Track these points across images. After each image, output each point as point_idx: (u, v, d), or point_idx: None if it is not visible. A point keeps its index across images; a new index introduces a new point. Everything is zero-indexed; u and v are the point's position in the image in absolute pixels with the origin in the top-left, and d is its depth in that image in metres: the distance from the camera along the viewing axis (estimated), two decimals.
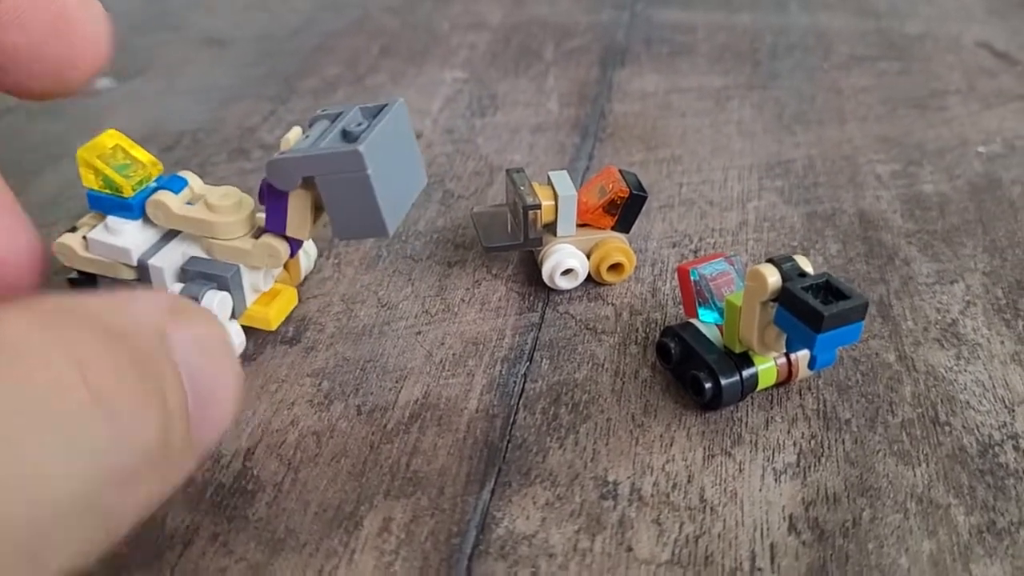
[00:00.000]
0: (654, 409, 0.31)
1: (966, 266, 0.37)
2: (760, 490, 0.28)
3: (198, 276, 0.30)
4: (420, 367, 0.32)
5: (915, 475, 0.28)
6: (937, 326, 0.34)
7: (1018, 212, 0.41)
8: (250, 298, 0.31)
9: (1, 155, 0.46)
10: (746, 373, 0.30)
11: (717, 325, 0.31)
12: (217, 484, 0.28)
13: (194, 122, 0.48)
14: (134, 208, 0.30)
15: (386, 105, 0.29)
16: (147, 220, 0.31)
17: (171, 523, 0.27)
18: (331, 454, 0.29)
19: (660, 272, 0.37)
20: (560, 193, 0.34)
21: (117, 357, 0.17)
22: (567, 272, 0.35)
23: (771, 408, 0.31)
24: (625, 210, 0.35)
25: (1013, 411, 0.30)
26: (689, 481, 0.28)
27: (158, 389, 0.18)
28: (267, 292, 0.32)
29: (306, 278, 0.36)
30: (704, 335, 0.31)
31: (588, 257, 0.35)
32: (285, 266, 0.33)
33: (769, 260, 0.28)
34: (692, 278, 0.31)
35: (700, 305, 0.31)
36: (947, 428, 0.30)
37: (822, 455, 0.29)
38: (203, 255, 0.31)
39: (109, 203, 0.30)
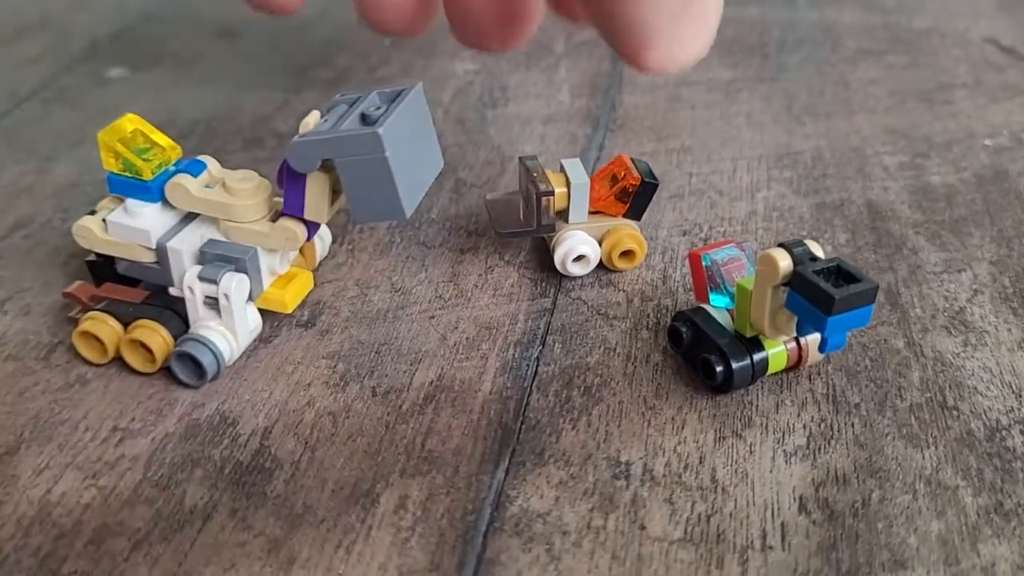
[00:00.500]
0: (666, 392, 0.31)
1: (973, 255, 0.38)
2: (771, 471, 0.28)
3: (216, 258, 0.31)
4: (434, 350, 0.33)
5: (924, 457, 0.29)
6: (945, 314, 0.35)
7: None
8: (267, 281, 0.32)
9: (19, 141, 0.46)
10: (757, 357, 0.30)
11: (728, 310, 0.31)
12: (235, 462, 0.28)
13: (208, 111, 0.49)
14: (153, 191, 0.31)
15: (404, 89, 0.30)
16: (166, 203, 0.31)
17: (190, 499, 0.27)
18: (347, 434, 0.29)
19: (671, 260, 0.37)
20: (573, 180, 0.34)
21: None
22: (579, 258, 0.35)
23: (781, 392, 0.31)
24: (636, 198, 0.35)
25: (1020, 396, 0.31)
26: (701, 462, 0.28)
27: None
28: (283, 275, 0.32)
29: (320, 263, 0.36)
30: (715, 319, 0.31)
31: (600, 244, 0.35)
32: (301, 251, 0.34)
33: (780, 244, 0.28)
34: (704, 263, 0.31)
35: (711, 290, 0.31)
36: (955, 412, 0.30)
37: (832, 438, 0.29)
38: (221, 238, 0.31)
39: (129, 186, 0.31)
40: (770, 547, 0.26)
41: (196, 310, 0.31)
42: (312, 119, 0.30)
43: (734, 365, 0.30)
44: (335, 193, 0.30)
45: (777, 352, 0.30)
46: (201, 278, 0.30)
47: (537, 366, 0.32)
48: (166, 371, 0.31)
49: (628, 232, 0.35)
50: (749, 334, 0.30)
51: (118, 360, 0.31)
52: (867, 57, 0.56)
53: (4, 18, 0.60)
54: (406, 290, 0.36)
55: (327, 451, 0.29)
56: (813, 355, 0.31)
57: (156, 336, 0.30)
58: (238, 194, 0.30)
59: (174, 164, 0.31)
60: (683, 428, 0.30)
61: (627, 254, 0.36)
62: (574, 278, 0.36)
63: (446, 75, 0.53)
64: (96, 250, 0.32)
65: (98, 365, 0.32)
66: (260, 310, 0.32)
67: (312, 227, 0.31)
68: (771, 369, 0.30)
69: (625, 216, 0.36)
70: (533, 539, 0.26)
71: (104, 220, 0.31)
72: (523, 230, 0.35)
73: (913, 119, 0.49)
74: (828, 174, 0.44)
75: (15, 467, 0.28)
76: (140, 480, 0.28)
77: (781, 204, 0.41)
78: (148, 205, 0.31)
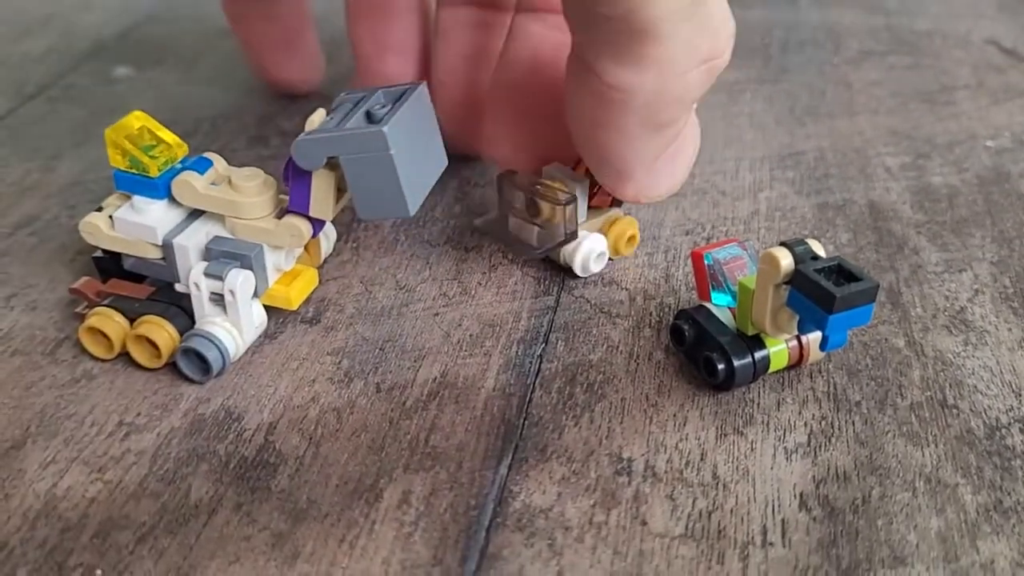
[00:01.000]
0: (667, 390, 0.31)
1: (974, 256, 0.38)
2: (771, 468, 0.28)
3: (222, 255, 0.31)
4: (438, 347, 0.33)
5: (924, 455, 0.29)
6: (946, 313, 0.35)
7: None
8: (272, 277, 0.32)
9: (25, 139, 0.46)
10: (758, 355, 0.30)
11: (730, 308, 0.31)
12: (240, 457, 0.29)
13: (212, 109, 0.49)
14: (160, 188, 0.31)
15: (408, 88, 0.30)
16: (172, 200, 0.31)
17: (195, 494, 0.27)
18: (351, 429, 0.30)
19: (673, 259, 0.38)
20: (573, 182, 0.35)
21: None
22: (599, 255, 0.36)
23: (782, 390, 0.31)
24: None
25: (1020, 395, 0.31)
26: (702, 459, 0.29)
27: None
28: (288, 272, 0.33)
29: (325, 260, 0.37)
30: (717, 318, 0.31)
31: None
32: (306, 248, 0.34)
33: (782, 243, 0.28)
34: (706, 262, 0.31)
35: (713, 289, 0.31)
36: (955, 411, 0.30)
37: (832, 435, 0.30)
38: (227, 235, 0.31)
39: (135, 183, 0.31)
40: (771, 543, 0.26)
41: (202, 306, 0.31)
42: (317, 117, 0.30)
43: (736, 363, 0.30)
44: (340, 191, 0.30)
45: (778, 350, 0.30)
46: (207, 274, 0.30)
47: (540, 363, 0.32)
48: (171, 367, 0.31)
49: (624, 219, 0.36)
50: (751, 332, 0.30)
51: (124, 356, 0.32)
52: (869, 58, 0.57)
53: (10, 17, 0.61)
54: (410, 287, 0.36)
55: (331, 446, 0.29)
56: (814, 353, 0.31)
57: (162, 332, 0.31)
58: (244, 191, 0.30)
59: (180, 161, 0.31)
60: (685, 425, 0.30)
61: (631, 239, 0.37)
62: (576, 276, 0.36)
63: None
64: (103, 246, 0.32)
65: (104, 360, 0.32)
66: (265, 306, 0.32)
67: (317, 224, 0.31)
68: (772, 367, 0.31)
69: (611, 206, 0.36)
70: (535, 534, 0.26)
71: (111, 217, 0.31)
72: (555, 243, 0.35)
73: (915, 120, 0.49)
74: (830, 174, 0.44)
75: (22, 461, 0.28)
76: (145, 474, 0.28)
77: (783, 204, 0.42)
78: (154, 202, 0.31)
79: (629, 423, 0.30)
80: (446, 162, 0.32)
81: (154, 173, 0.30)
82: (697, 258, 0.31)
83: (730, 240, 0.32)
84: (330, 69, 0.52)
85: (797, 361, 0.31)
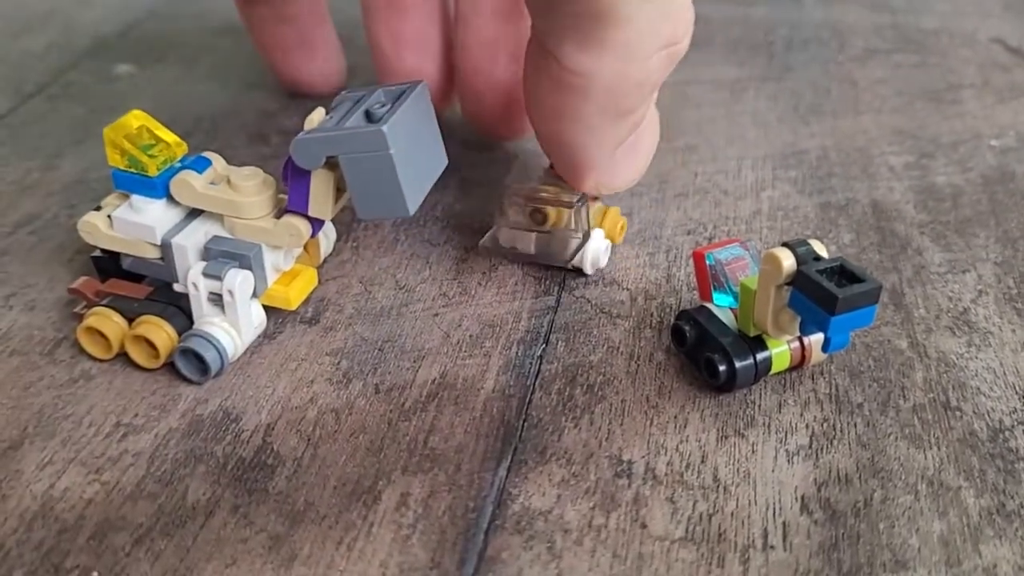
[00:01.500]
0: (668, 391, 0.31)
1: (978, 256, 0.38)
2: (773, 471, 0.28)
3: (221, 255, 0.31)
4: (437, 348, 0.33)
5: (926, 458, 0.29)
6: (949, 314, 0.34)
7: None
8: (271, 277, 0.32)
9: (25, 137, 0.46)
10: (760, 356, 0.30)
11: (731, 309, 0.31)
12: (238, 458, 0.28)
13: (213, 107, 0.49)
14: (158, 187, 0.31)
15: (408, 87, 0.30)
16: (171, 199, 0.31)
17: (192, 495, 0.27)
18: (350, 430, 0.29)
19: (675, 259, 0.37)
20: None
21: None
22: (607, 249, 0.36)
23: (784, 392, 0.31)
24: None
25: None
26: (703, 461, 0.28)
27: None
28: (287, 272, 0.32)
29: (325, 260, 0.36)
30: (719, 319, 0.31)
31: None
32: (305, 247, 0.34)
33: (784, 244, 0.28)
34: (707, 262, 0.31)
35: (715, 289, 0.31)
36: (958, 413, 0.30)
37: (834, 438, 0.29)
38: (226, 234, 0.31)
39: (134, 182, 0.31)
40: (771, 547, 0.26)
41: (200, 306, 0.31)
42: (317, 116, 0.30)
43: (737, 364, 0.30)
44: (339, 190, 0.30)
45: (780, 352, 0.30)
46: (206, 274, 0.30)
47: (540, 364, 0.32)
48: (170, 367, 0.31)
49: (610, 209, 0.37)
50: (752, 333, 0.30)
51: (122, 356, 0.32)
52: (874, 57, 0.56)
53: (10, 13, 0.61)
54: (410, 287, 0.36)
55: (329, 448, 0.29)
56: (816, 355, 0.31)
57: (160, 332, 0.30)
58: (243, 191, 0.30)
59: (179, 161, 0.31)
60: (685, 427, 0.30)
61: (622, 227, 0.37)
62: (577, 276, 0.36)
63: None
64: (101, 246, 0.32)
65: (102, 361, 0.32)
66: (264, 306, 0.32)
67: (316, 224, 0.31)
68: (774, 369, 0.30)
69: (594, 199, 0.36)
70: (534, 537, 0.26)
71: (109, 216, 0.31)
72: (580, 246, 0.35)
73: (920, 119, 0.49)
74: (833, 174, 0.44)
75: (19, 462, 0.28)
76: (143, 476, 0.28)
77: (786, 204, 0.41)
78: (153, 201, 0.31)
79: (629, 425, 0.30)
80: (446, 161, 0.32)
81: (153, 172, 0.30)
82: (699, 258, 0.31)
83: (732, 240, 0.32)
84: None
85: (799, 363, 0.31)
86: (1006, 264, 0.37)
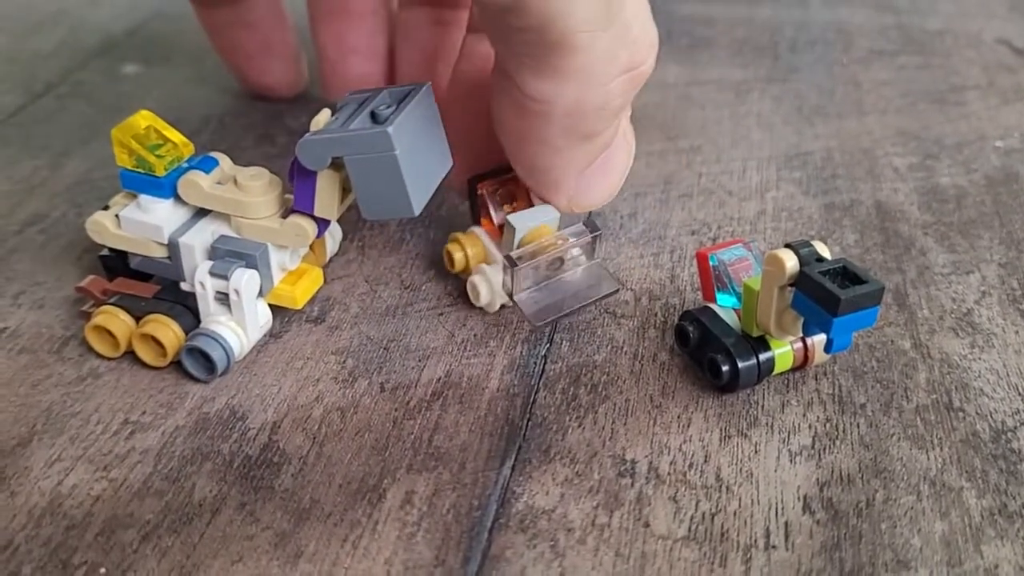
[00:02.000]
0: (672, 391, 0.31)
1: (982, 257, 0.38)
2: (775, 471, 0.28)
3: (227, 254, 0.31)
4: (442, 347, 0.33)
5: (928, 459, 0.29)
6: (952, 315, 0.35)
7: None
8: (277, 277, 0.32)
9: (33, 137, 0.46)
10: (763, 357, 0.30)
11: (735, 310, 0.31)
12: (244, 456, 0.29)
13: (220, 107, 0.49)
14: (166, 187, 0.31)
15: (413, 88, 0.30)
16: (178, 199, 0.31)
17: (199, 493, 0.27)
18: (355, 429, 0.30)
19: (679, 259, 0.38)
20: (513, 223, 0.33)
21: None
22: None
23: (787, 392, 0.31)
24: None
25: None
26: (706, 461, 0.29)
27: None
28: (293, 271, 0.33)
29: (331, 260, 0.37)
30: (722, 319, 0.31)
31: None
32: (311, 247, 0.34)
33: (787, 245, 0.28)
34: (711, 263, 0.31)
35: (718, 290, 0.31)
36: (961, 414, 0.30)
37: (837, 438, 0.29)
38: (232, 234, 0.31)
39: (141, 182, 0.31)
40: (773, 546, 0.26)
41: (207, 305, 0.31)
42: (323, 117, 0.30)
43: (740, 365, 0.30)
44: (345, 191, 0.30)
45: (783, 352, 0.30)
46: (212, 273, 0.30)
47: (544, 364, 0.32)
48: (177, 365, 0.31)
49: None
50: (755, 334, 0.30)
51: (130, 354, 0.32)
52: (879, 58, 0.56)
53: (19, 14, 0.61)
54: (415, 287, 0.36)
55: (335, 446, 0.29)
56: (819, 355, 0.31)
57: (167, 330, 0.31)
58: (249, 191, 0.30)
59: (187, 161, 0.31)
60: (689, 427, 0.30)
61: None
62: None
63: None
64: (109, 245, 0.32)
65: (110, 359, 0.32)
66: (270, 306, 0.32)
67: (322, 224, 0.31)
68: (777, 369, 0.30)
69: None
70: (538, 535, 0.26)
71: (117, 216, 0.31)
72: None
73: (924, 120, 0.49)
74: (838, 175, 0.44)
75: (27, 459, 0.28)
76: (150, 473, 0.28)
77: (790, 204, 0.41)
78: (161, 201, 0.31)
79: (633, 424, 0.30)
80: (451, 162, 0.32)
81: (160, 172, 0.31)
82: (702, 259, 0.31)
83: (735, 241, 0.32)
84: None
85: (802, 363, 0.31)
86: (1010, 265, 0.37)
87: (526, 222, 0.32)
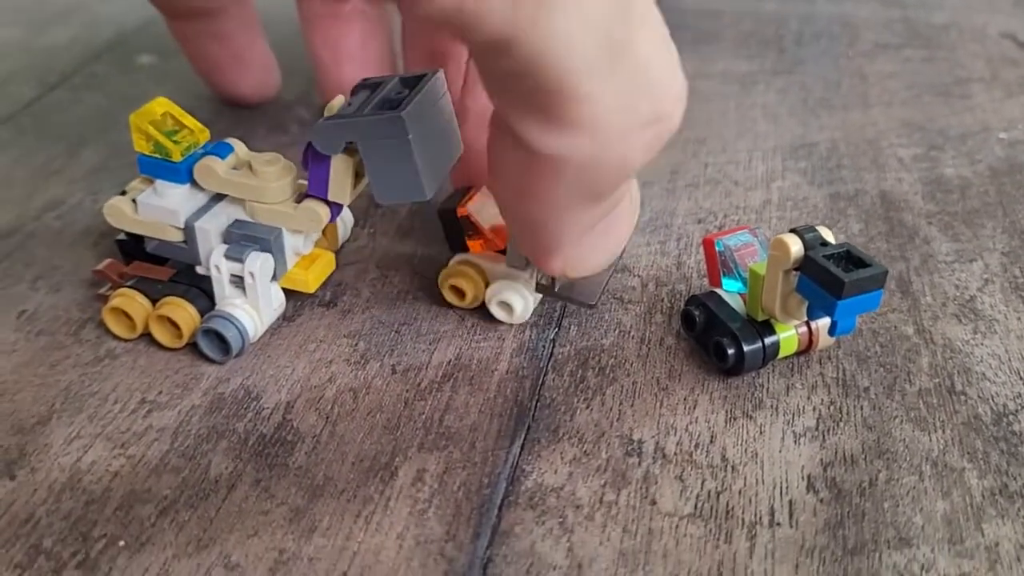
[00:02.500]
0: (678, 374, 0.32)
1: (985, 246, 0.38)
2: (780, 451, 0.29)
3: (242, 238, 0.31)
4: (452, 331, 0.33)
5: (931, 440, 0.29)
6: (955, 302, 0.35)
7: None
8: (291, 261, 0.33)
9: (50, 126, 0.47)
10: (768, 340, 0.31)
11: (740, 294, 0.32)
12: (259, 434, 0.29)
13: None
14: (182, 172, 0.31)
15: (426, 75, 0.31)
16: (194, 184, 0.32)
17: (215, 470, 0.28)
18: (367, 409, 0.30)
19: (685, 247, 0.38)
20: None
21: None
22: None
23: (792, 375, 0.32)
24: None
25: None
26: (711, 441, 0.29)
27: None
28: (306, 256, 0.33)
29: (343, 245, 0.37)
30: (728, 304, 0.32)
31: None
32: (324, 232, 0.35)
33: (792, 230, 0.29)
34: (717, 249, 0.32)
35: (724, 275, 0.32)
36: (963, 397, 0.31)
37: (841, 420, 0.30)
38: (247, 218, 0.32)
39: (158, 167, 0.31)
40: (778, 523, 0.27)
41: (222, 288, 0.32)
42: (336, 103, 0.31)
43: (746, 348, 0.30)
44: (358, 176, 0.31)
45: (788, 336, 0.31)
46: (227, 257, 0.31)
47: (553, 347, 0.33)
48: (192, 347, 0.32)
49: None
50: (761, 318, 0.31)
51: (146, 336, 0.32)
52: (884, 51, 0.57)
53: (34, 7, 0.62)
54: (426, 272, 0.36)
55: (347, 425, 0.30)
56: (824, 339, 0.31)
57: (183, 312, 0.31)
58: (264, 176, 0.31)
59: (202, 146, 0.32)
60: (695, 408, 0.30)
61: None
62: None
63: None
64: (126, 229, 0.33)
65: (127, 340, 0.33)
66: (284, 289, 0.33)
67: (335, 209, 0.32)
68: (782, 353, 0.31)
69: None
70: (547, 512, 0.27)
71: (134, 200, 0.32)
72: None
73: (929, 112, 0.49)
74: (843, 165, 0.44)
75: (47, 436, 0.29)
76: (167, 450, 0.29)
77: (795, 194, 0.42)
78: (177, 186, 0.32)
79: (640, 406, 0.30)
80: (462, 148, 0.32)
81: (177, 158, 0.31)
82: (708, 244, 0.32)
83: (741, 227, 0.33)
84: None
85: (806, 347, 0.31)
86: (1013, 254, 0.38)
87: None
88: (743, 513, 0.27)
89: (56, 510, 0.27)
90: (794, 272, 0.29)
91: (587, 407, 0.30)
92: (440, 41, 0.38)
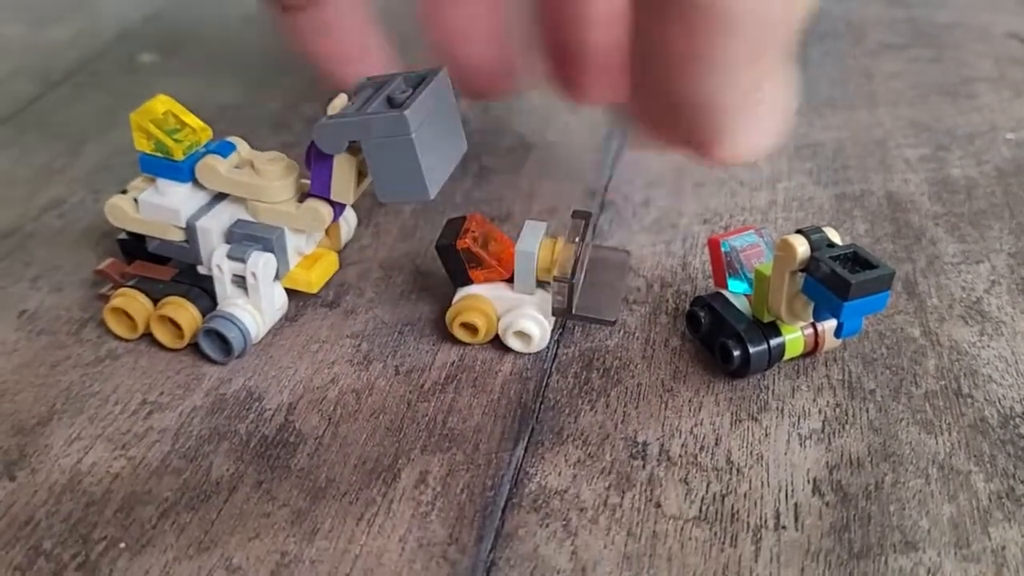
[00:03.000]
0: (683, 376, 0.31)
1: (992, 247, 0.38)
2: (785, 454, 0.29)
3: (244, 238, 0.31)
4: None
5: (937, 443, 0.29)
6: (962, 303, 0.35)
7: None
8: (293, 261, 0.32)
9: (52, 124, 0.47)
10: (774, 342, 0.30)
11: (746, 295, 0.32)
12: (261, 436, 0.29)
13: (237, 96, 0.49)
14: (184, 171, 0.31)
15: (429, 73, 0.30)
16: (196, 183, 0.32)
17: (217, 471, 0.28)
18: (370, 410, 0.30)
19: (691, 247, 0.38)
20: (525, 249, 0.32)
21: None
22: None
23: (797, 377, 0.31)
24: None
25: None
26: (716, 444, 0.29)
27: None
28: (309, 256, 0.33)
29: (346, 246, 0.37)
30: (733, 305, 0.31)
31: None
32: (327, 232, 0.34)
33: (798, 231, 0.29)
34: (723, 249, 0.31)
35: (730, 276, 0.31)
36: (969, 400, 0.31)
37: (846, 422, 0.30)
38: (249, 218, 0.32)
39: (160, 166, 0.31)
40: (783, 527, 0.26)
41: (224, 288, 0.31)
42: (339, 102, 0.31)
43: (751, 350, 0.30)
44: (361, 175, 0.31)
45: (794, 338, 0.31)
46: (229, 257, 0.31)
47: (557, 348, 0.33)
48: (194, 347, 0.32)
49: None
50: (766, 319, 0.31)
51: (147, 336, 0.32)
52: (890, 51, 0.56)
53: (37, 4, 0.61)
54: (429, 273, 0.36)
55: (350, 427, 0.29)
56: (830, 341, 0.31)
57: (185, 312, 0.31)
58: (266, 175, 0.31)
59: (204, 145, 0.32)
60: (700, 410, 0.30)
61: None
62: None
63: None
64: (127, 228, 0.32)
65: (128, 340, 0.32)
66: (286, 289, 0.33)
67: (338, 208, 0.31)
68: (788, 354, 0.31)
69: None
70: (550, 515, 0.27)
71: (135, 199, 0.32)
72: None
73: (935, 112, 0.49)
74: (849, 165, 0.44)
75: (47, 437, 0.29)
76: (168, 452, 0.28)
77: (801, 194, 0.42)
78: (179, 185, 0.31)
79: (644, 408, 0.30)
80: (465, 147, 0.32)
81: (178, 156, 0.31)
82: (714, 245, 0.31)
83: (747, 227, 0.32)
84: None
85: (812, 349, 0.31)
86: (1020, 255, 0.38)
87: (533, 243, 0.31)
88: (748, 516, 0.27)
89: (56, 512, 0.27)
90: (800, 273, 0.29)
91: (591, 409, 0.30)
92: None
